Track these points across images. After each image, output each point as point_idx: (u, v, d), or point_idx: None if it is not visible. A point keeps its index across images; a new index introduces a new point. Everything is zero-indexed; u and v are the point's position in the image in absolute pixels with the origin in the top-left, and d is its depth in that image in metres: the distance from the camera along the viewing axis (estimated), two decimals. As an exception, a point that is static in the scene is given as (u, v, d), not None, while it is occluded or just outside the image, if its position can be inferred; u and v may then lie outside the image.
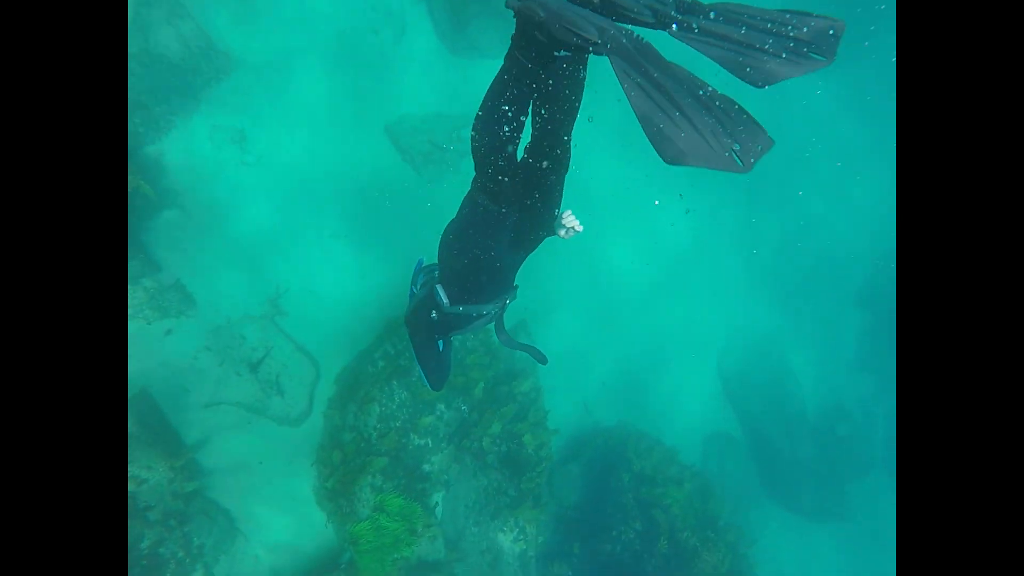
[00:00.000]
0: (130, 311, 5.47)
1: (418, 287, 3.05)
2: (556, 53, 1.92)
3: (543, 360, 3.04)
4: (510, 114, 2.17)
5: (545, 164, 2.34)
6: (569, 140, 2.32)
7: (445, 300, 2.65)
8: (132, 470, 5.18)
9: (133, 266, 5.44)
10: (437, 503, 6.31)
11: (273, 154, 6.21)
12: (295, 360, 6.03)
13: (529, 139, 2.36)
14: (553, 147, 2.30)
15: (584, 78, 2.17)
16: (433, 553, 6.19)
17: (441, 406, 6.06)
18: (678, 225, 8.90)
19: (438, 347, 2.76)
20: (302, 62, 6.43)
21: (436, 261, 2.89)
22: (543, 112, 2.21)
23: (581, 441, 7.42)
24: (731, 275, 9.39)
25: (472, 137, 2.32)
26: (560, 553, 6.83)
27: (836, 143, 10.37)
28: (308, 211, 6.34)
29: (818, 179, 10.38)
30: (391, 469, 5.88)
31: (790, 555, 9.22)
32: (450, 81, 7.11)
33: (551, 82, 2.11)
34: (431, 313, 2.69)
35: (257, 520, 5.82)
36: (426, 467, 6.02)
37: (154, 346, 5.61)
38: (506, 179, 2.37)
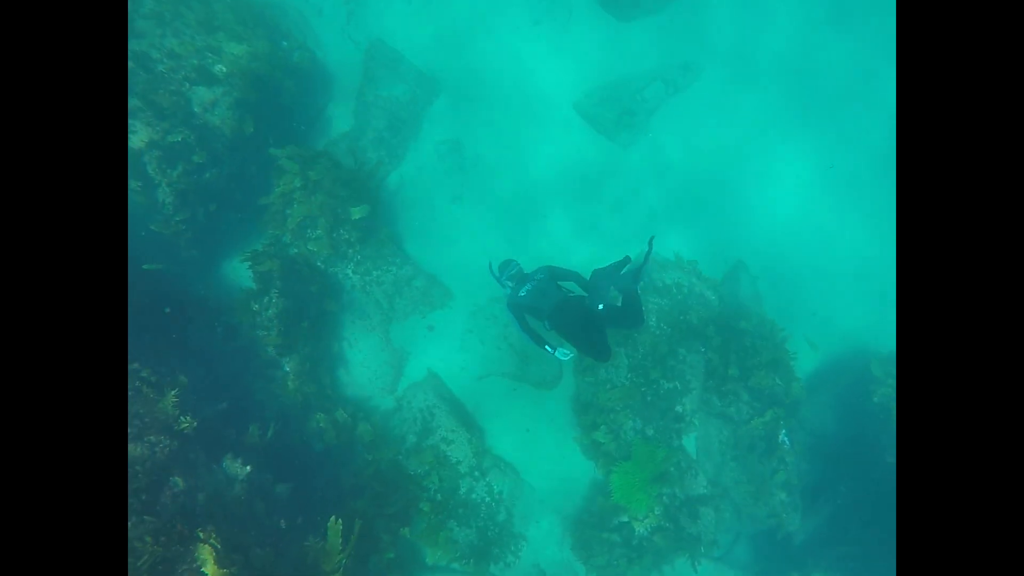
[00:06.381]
0: (408, 308, 6.66)
1: (504, 281, 5.29)
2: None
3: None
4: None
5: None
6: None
7: (547, 325, 4.97)
8: (441, 433, 6.34)
9: (405, 271, 6.62)
10: (692, 441, 6.67)
11: (486, 156, 7.06)
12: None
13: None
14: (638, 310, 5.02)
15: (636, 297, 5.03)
16: (696, 488, 6.56)
17: (682, 350, 6.39)
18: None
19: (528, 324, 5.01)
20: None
21: (505, 259, 5.49)
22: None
23: (827, 368, 7.22)
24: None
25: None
26: (824, 482, 6.76)
27: None
28: (519, 197, 7.09)
29: None
30: (646, 412, 6.37)
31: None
32: (621, 45, 7.37)
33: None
34: (528, 316, 4.96)
35: (536, 470, 6.70)
36: (678, 408, 6.41)
37: (422, 334, 6.75)
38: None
